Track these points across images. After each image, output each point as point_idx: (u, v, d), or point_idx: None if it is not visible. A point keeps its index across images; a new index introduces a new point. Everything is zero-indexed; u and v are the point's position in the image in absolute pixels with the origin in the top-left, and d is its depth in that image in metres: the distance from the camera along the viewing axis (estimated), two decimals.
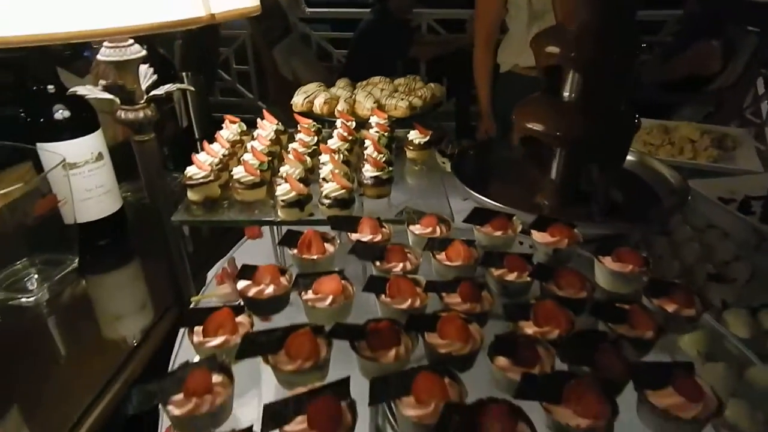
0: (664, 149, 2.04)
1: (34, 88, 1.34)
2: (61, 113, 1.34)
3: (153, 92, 1.13)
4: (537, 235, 1.03)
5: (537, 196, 1.37)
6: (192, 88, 1.76)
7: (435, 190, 1.36)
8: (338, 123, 1.48)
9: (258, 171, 1.20)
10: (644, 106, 2.32)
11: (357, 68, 2.12)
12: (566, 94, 1.29)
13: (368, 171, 1.21)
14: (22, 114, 1.36)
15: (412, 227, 1.06)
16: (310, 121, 1.48)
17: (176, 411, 0.67)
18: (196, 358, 0.79)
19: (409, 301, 0.85)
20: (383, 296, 0.87)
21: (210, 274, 1.29)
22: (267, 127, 1.43)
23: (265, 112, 1.47)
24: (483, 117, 2.55)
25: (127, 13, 0.87)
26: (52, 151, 1.30)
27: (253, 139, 1.40)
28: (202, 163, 1.20)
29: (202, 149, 1.28)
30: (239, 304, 0.85)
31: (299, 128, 1.44)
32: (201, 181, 1.18)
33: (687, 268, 1.35)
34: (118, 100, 1.10)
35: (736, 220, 1.54)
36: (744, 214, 1.56)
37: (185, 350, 1.02)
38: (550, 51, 1.26)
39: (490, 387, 0.75)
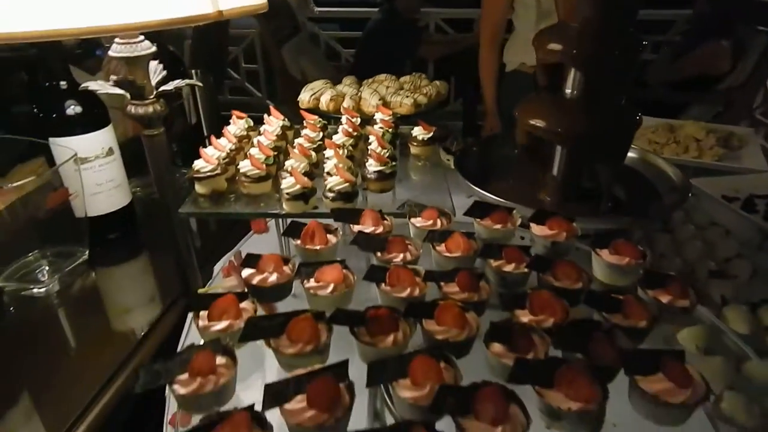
0: (668, 148, 2.04)
1: (47, 84, 1.37)
2: (73, 109, 1.37)
3: (162, 87, 1.16)
4: (536, 228, 1.05)
5: (539, 192, 1.39)
6: (200, 84, 1.79)
7: (438, 185, 1.38)
8: (343, 119, 1.50)
9: (264, 165, 1.22)
10: (653, 106, 2.33)
11: (365, 67, 2.14)
12: (568, 91, 1.30)
13: (372, 165, 1.24)
14: (35, 110, 1.39)
15: (413, 220, 1.09)
16: (316, 117, 1.51)
17: (181, 390, 0.69)
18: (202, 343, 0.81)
19: (409, 289, 0.87)
20: (383, 285, 0.89)
21: (216, 268, 1.32)
22: (273, 122, 1.46)
23: (271, 108, 1.50)
24: (488, 115, 2.56)
25: (137, 9, 0.89)
26: (64, 146, 1.33)
27: (259, 134, 1.42)
28: (209, 157, 1.23)
29: (210, 144, 1.31)
30: (243, 291, 0.87)
31: (305, 124, 1.47)
32: (208, 174, 1.20)
33: (688, 265, 1.36)
34: (128, 95, 1.13)
35: (740, 219, 1.55)
36: (748, 212, 1.56)
37: (192, 339, 1.04)
38: (552, 48, 1.28)
39: (486, 373, 0.77)
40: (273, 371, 0.81)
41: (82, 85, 1.16)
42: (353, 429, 0.67)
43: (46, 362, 1.09)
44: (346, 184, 1.15)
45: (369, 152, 1.30)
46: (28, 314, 1.24)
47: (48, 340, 1.17)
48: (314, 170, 1.27)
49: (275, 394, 0.66)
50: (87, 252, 1.38)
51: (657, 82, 3.31)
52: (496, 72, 2.52)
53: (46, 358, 1.11)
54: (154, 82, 1.15)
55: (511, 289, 0.93)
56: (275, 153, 1.30)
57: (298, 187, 1.14)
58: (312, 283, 0.89)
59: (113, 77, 1.12)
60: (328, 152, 1.28)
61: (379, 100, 1.71)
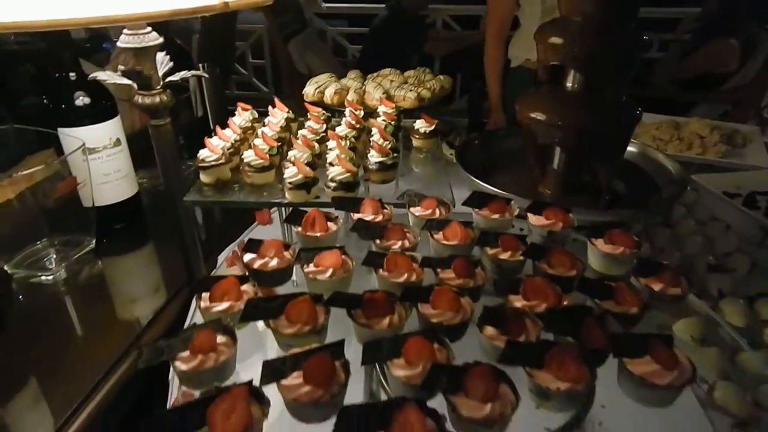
0: (672, 144, 2.05)
1: (56, 75, 1.39)
2: (81, 100, 1.39)
3: (169, 78, 1.19)
4: (532, 218, 1.06)
5: (539, 185, 1.40)
6: (206, 75, 1.81)
7: (439, 178, 1.39)
8: (347, 112, 1.52)
9: (267, 155, 1.25)
10: (660, 104, 2.33)
11: (371, 64, 2.15)
12: (569, 85, 1.32)
13: (373, 157, 1.26)
14: (45, 101, 1.42)
15: (412, 209, 1.11)
16: (320, 109, 1.53)
17: (183, 366, 0.72)
18: None
19: (406, 275, 0.90)
20: (381, 270, 0.91)
21: (221, 258, 1.34)
22: (278, 114, 1.48)
23: (276, 100, 1.52)
24: (492, 111, 2.57)
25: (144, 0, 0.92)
26: (72, 136, 1.36)
27: (264, 126, 1.45)
28: (214, 147, 1.25)
29: (215, 134, 1.33)
30: (245, 274, 0.89)
31: (309, 116, 1.49)
32: (213, 163, 1.23)
33: (688, 259, 1.37)
34: (135, 86, 1.15)
35: (741, 215, 1.55)
36: (749, 209, 1.57)
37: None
38: (554, 42, 1.29)
39: (479, 355, 0.79)
40: (272, 352, 0.83)
41: (91, 75, 1.18)
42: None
43: (53, 347, 1.12)
44: (348, 174, 1.17)
45: (371, 144, 1.32)
46: (36, 301, 1.27)
47: (55, 325, 1.20)
48: (317, 161, 1.29)
49: (273, 371, 0.68)
50: (94, 241, 1.41)
51: (665, 80, 3.30)
52: (502, 68, 2.53)
53: (53, 343, 1.13)
54: (161, 73, 1.17)
55: (506, 277, 0.94)
56: (279, 144, 1.33)
57: (300, 176, 1.16)
58: (311, 267, 0.91)
59: (121, 67, 1.14)
60: (331, 143, 1.30)
61: (383, 93, 1.73)
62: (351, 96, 1.72)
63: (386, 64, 2.06)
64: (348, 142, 1.33)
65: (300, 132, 1.39)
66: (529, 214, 1.08)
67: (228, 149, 1.29)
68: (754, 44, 3.00)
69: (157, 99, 1.16)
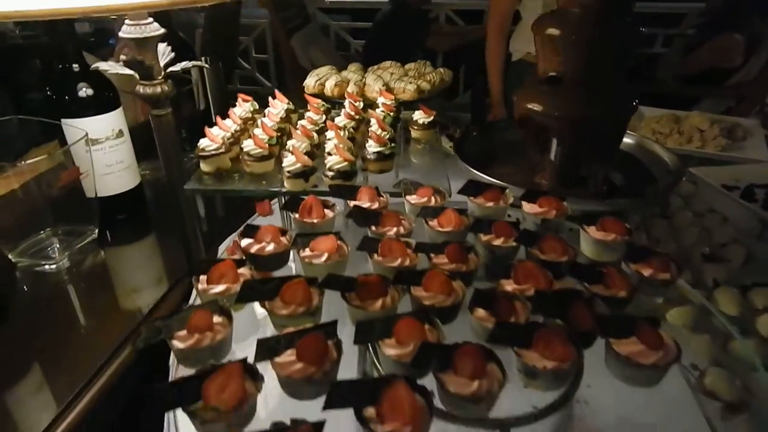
0: (672, 138, 2.05)
1: (60, 66, 1.42)
2: (84, 91, 1.41)
3: (170, 68, 1.21)
4: (526, 206, 1.08)
5: (537, 176, 1.42)
6: (206, 65, 1.82)
7: (437, 169, 1.41)
8: (346, 103, 1.54)
9: (267, 144, 1.27)
10: (664, 100, 2.33)
11: (374, 58, 2.16)
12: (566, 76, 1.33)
13: (371, 146, 1.27)
14: (48, 92, 1.44)
15: (408, 197, 1.12)
16: (320, 100, 1.55)
17: (180, 345, 0.74)
18: None
19: (400, 260, 0.91)
20: (375, 255, 0.93)
21: (221, 248, 1.36)
22: (278, 105, 1.50)
23: (276, 92, 1.54)
24: (494, 105, 2.58)
25: None
26: (75, 127, 1.38)
27: (264, 116, 1.46)
28: (214, 137, 1.27)
29: (216, 124, 1.35)
30: (242, 258, 0.91)
31: (309, 107, 1.51)
32: (213, 152, 1.25)
33: (684, 250, 1.38)
34: (137, 76, 1.18)
35: (739, 207, 1.56)
36: (747, 201, 1.57)
37: None
38: (551, 33, 1.30)
39: (470, 337, 0.80)
40: (268, 333, 0.85)
41: (93, 66, 1.20)
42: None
43: (56, 334, 1.14)
44: (345, 163, 1.18)
45: (369, 134, 1.34)
46: (40, 289, 1.29)
47: (58, 313, 1.22)
48: (315, 151, 1.30)
49: (267, 348, 0.70)
50: (96, 231, 1.43)
51: (669, 75, 3.29)
52: (503, 62, 2.54)
53: (56, 330, 1.15)
54: (162, 63, 1.19)
55: (499, 263, 0.96)
56: (278, 134, 1.34)
57: (298, 165, 1.18)
58: (307, 252, 0.93)
59: (123, 57, 1.16)
60: (330, 134, 1.32)
61: (383, 85, 1.75)
62: (351, 88, 1.74)
63: (389, 59, 2.07)
64: (346, 133, 1.35)
65: (299, 122, 1.40)
66: (523, 202, 1.09)
67: (228, 139, 1.31)
68: (758, 39, 2.99)
69: (158, 89, 1.18)
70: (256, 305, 0.89)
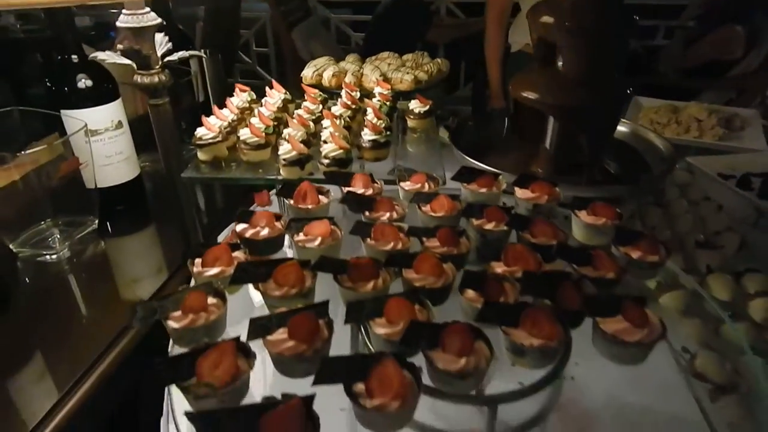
0: (669, 128, 2.05)
1: (59, 58, 1.43)
2: (83, 82, 1.42)
3: (167, 58, 1.22)
4: (519, 192, 1.09)
5: (532, 164, 1.43)
6: (203, 55, 1.84)
7: (433, 157, 1.42)
8: (343, 93, 1.55)
9: (263, 133, 1.28)
10: (665, 92, 2.33)
11: (374, 51, 2.17)
12: (560, 63, 1.34)
13: (367, 135, 1.29)
14: (48, 83, 1.45)
15: (402, 183, 1.13)
16: (317, 90, 1.56)
17: (175, 324, 0.76)
18: None
19: (392, 243, 0.93)
20: (368, 240, 0.94)
21: (220, 238, 1.37)
22: (275, 95, 1.51)
23: (273, 82, 1.55)
24: (493, 95, 2.58)
25: None
26: (74, 117, 1.39)
27: (261, 106, 1.48)
28: (211, 125, 1.28)
29: (213, 114, 1.36)
30: (237, 242, 0.93)
31: (306, 97, 1.52)
32: (210, 141, 1.26)
33: (678, 237, 1.39)
34: (134, 65, 1.19)
35: (735, 196, 1.57)
36: (743, 189, 1.58)
37: None
38: (545, 21, 1.31)
39: (460, 318, 0.82)
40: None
41: (91, 56, 1.21)
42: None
43: (57, 323, 1.15)
44: (340, 151, 1.20)
45: (365, 123, 1.35)
46: (41, 279, 1.30)
47: (59, 302, 1.23)
48: (312, 139, 1.32)
49: (260, 327, 0.72)
50: (96, 221, 1.44)
51: (670, 68, 3.29)
52: (502, 53, 2.54)
53: (56, 319, 1.16)
54: (159, 53, 1.20)
55: (490, 246, 0.97)
56: (275, 123, 1.36)
57: (294, 153, 1.19)
58: (301, 236, 0.94)
59: (119, 47, 1.18)
60: (326, 122, 1.33)
61: (380, 75, 1.76)
62: (349, 78, 1.75)
63: (390, 51, 2.07)
64: (343, 122, 1.36)
65: (296, 111, 1.42)
66: (515, 188, 1.10)
67: (225, 128, 1.32)
68: (759, 31, 2.98)
69: (156, 78, 1.19)
70: (252, 290, 0.90)
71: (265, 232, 0.95)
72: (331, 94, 1.69)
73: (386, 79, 1.76)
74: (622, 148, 1.51)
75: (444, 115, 1.83)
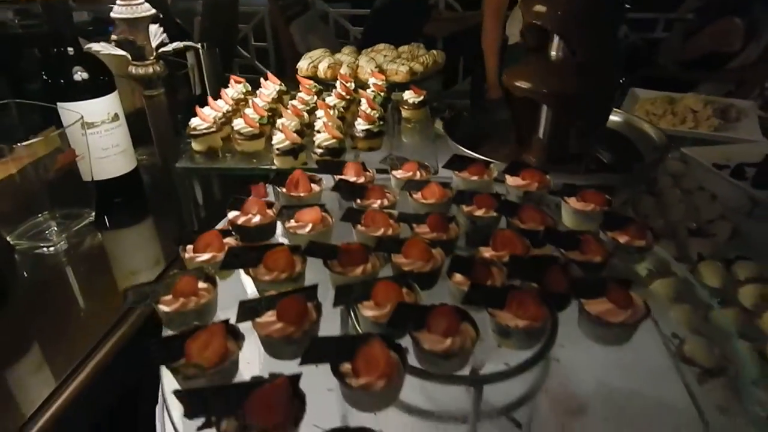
0: (665, 119, 2.06)
1: (55, 50, 1.43)
2: (79, 74, 1.43)
3: (162, 49, 1.23)
4: (510, 179, 1.10)
5: (525, 153, 1.43)
6: (198, 46, 1.84)
7: (426, 147, 1.43)
8: (337, 84, 1.55)
9: (258, 124, 1.29)
10: (664, 84, 2.33)
11: (372, 45, 2.18)
12: (553, 53, 1.34)
13: (360, 124, 1.29)
14: (45, 77, 1.46)
15: (394, 172, 1.14)
16: (311, 82, 1.57)
17: (166, 308, 0.77)
18: None
19: (382, 230, 0.94)
20: (359, 226, 0.95)
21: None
22: (270, 86, 1.52)
23: (268, 74, 1.56)
24: (490, 87, 2.59)
25: None
26: (71, 110, 1.40)
27: (256, 97, 1.49)
28: (206, 116, 1.29)
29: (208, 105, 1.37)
30: (228, 229, 0.94)
31: (300, 88, 1.53)
32: (204, 131, 1.27)
33: (671, 225, 1.40)
34: (129, 56, 1.20)
35: (729, 186, 1.58)
36: (737, 179, 1.59)
37: None
38: (538, 10, 1.31)
39: (448, 301, 0.83)
40: None
41: (86, 47, 1.22)
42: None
43: (55, 314, 1.16)
44: (334, 141, 1.21)
45: (359, 113, 1.36)
46: (38, 271, 1.31)
47: (56, 294, 1.24)
48: (305, 130, 1.33)
49: (249, 309, 0.73)
50: (93, 214, 1.45)
51: (669, 60, 3.29)
52: (499, 46, 2.55)
53: (54, 310, 1.17)
54: (154, 44, 1.21)
55: (480, 232, 0.98)
56: (270, 114, 1.37)
57: (287, 143, 1.20)
58: (292, 223, 0.95)
59: (114, 37, 1.19)
60: (320, 113, 1.34)
61: (375, 67, 1.76)
62: (344, 69, 1.76)
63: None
64: (336, 112, 1.37)
65: (290, 102, 1.42)
66: (506, 176, 1.11)
67: (219, 119, 1.33)
68: (757, 23, 2.98)
69: (150, 69, 1.20)
70: (244, 277, 0.92)
71: (257, 219, 0.96)
72: (326, 86, 1.69)
73: (382, 71, 1.76)
74: (615, 137, 1.52)
75: (440, 107, 1.84)
